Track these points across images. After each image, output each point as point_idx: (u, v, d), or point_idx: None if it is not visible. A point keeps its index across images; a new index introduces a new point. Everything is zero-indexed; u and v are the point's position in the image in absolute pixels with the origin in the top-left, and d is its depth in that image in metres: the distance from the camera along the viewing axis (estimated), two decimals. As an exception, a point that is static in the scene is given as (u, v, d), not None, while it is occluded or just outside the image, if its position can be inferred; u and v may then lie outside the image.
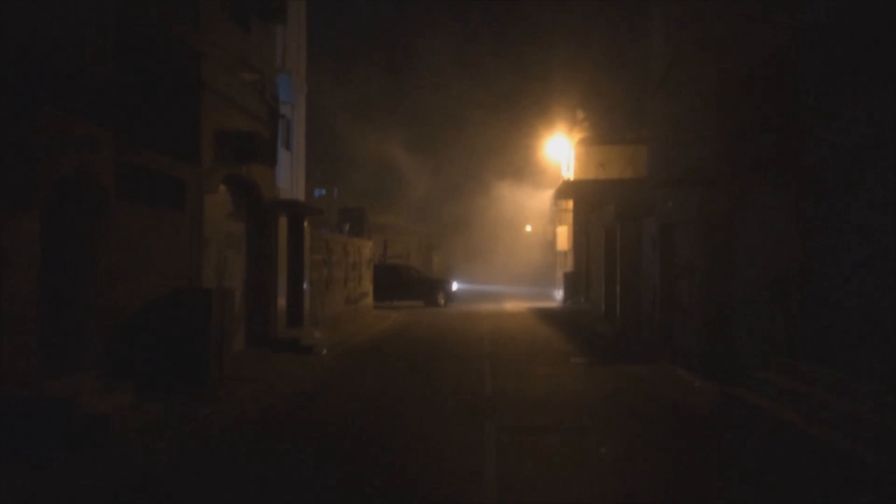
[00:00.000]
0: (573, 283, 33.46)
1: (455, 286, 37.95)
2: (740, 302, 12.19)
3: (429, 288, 33.43)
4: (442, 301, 32.79)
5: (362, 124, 51.31)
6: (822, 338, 9.55)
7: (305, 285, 17.96)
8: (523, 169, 48.54)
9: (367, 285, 27.33)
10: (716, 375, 11.69)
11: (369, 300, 27.63)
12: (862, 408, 7.69)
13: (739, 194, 12.17)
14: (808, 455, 7.55)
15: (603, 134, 33.37)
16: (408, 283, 32.94)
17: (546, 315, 27.61)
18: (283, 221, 16.45)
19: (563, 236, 38.86)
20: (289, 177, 24.86)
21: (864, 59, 8.55)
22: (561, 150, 36.09)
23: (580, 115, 35.39)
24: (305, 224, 17.96)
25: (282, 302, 16.27)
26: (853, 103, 8.82)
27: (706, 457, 7.82)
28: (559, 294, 37.70)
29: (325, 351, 15.76)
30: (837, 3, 8.68)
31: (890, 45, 8.04)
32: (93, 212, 9.00)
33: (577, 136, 34.13)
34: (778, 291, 10.60)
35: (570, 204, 35.01)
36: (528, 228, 56.59)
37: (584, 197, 31.05)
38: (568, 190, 32.54)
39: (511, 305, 34.18)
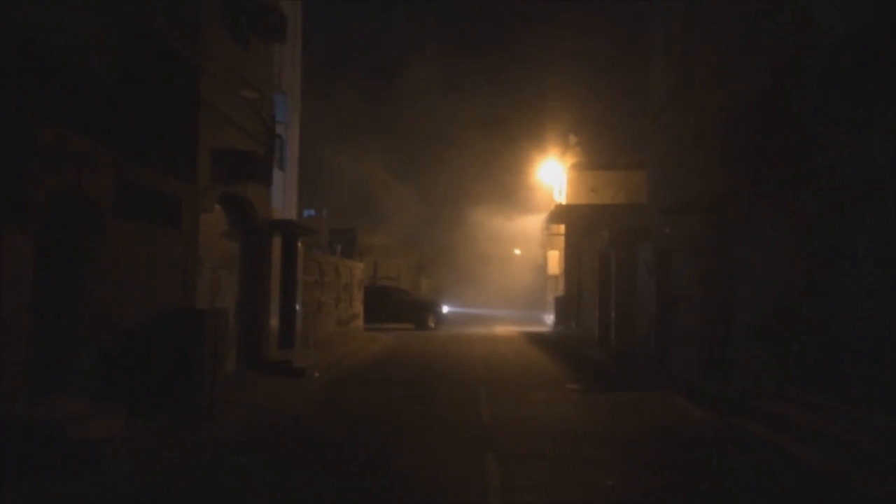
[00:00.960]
0: (564, 307, 33.35)
1: (445, 309, 37.76)
2: (741, 330, 12.06)
3: (419, 310, 33.22)
4: (432, 324, 32.58)
5: (351, 146, 51.41)
6: (828, 368, 9.43)
7: (298, 306, 17.73)
8: (515, 193, 48.69)
9: (358, 307, 27.11)
10: (715, 405, 11.53)
11: (360, 322, 27.40)
12: (871, 440, 7.54)
13: (742, 221, 12.09)
14: (817, 488, 7.39)
15: (595, 159, 33.48)
16: (398, 305, 32.71)
17: (538, 340, 27.42)
18: (276, 242, 16.24)
19: (555, 260, 38.79)
20: (281, 197, 24.67)
21: (874, 85, 8.50)
22: (553, 174, 36.13)
23: (573, 139, 35.53)
24: (299, 245, 17.76)
25: (274, 323, 16.03)
26: (864, 129, 8.77)
27: (715, 490, 7.63)
28: (550, 318, 37.55)
29: (317, 374, 15.50)
30: (846, 30, 8.65)
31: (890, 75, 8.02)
32: (88, 229, 8.79)
33: (570, 160, 34.21)
34: (782, 320, 10.48)
35: (561, 228, 35.00)
36: (517, 252, 56.54)
37: (577, 221, 31.06)
38: (560, 214, 32.53)
39: (502, 329, 33.99)
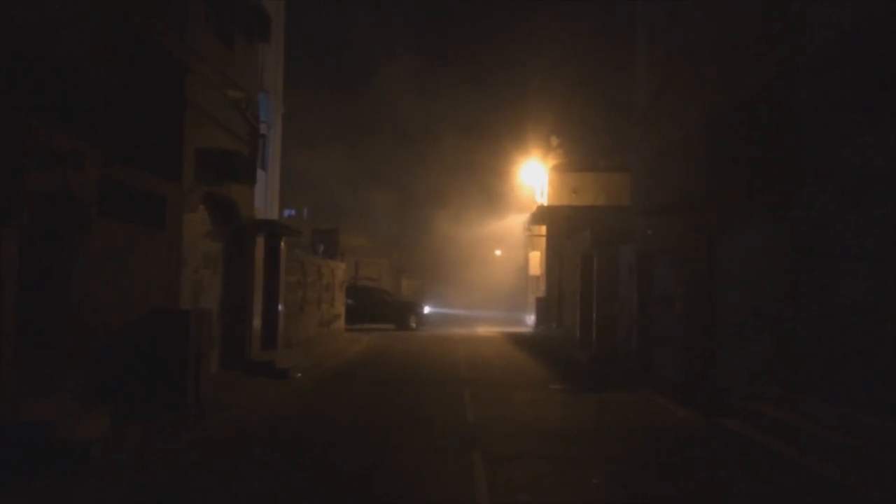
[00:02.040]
0: (545, 308, 33.46)
1: (426, 310, 37.77)
2: (723, 331, 12.20)
3: (400, 311, 33.22)
4: (414, 324, 32.58)
5: (332, 146, 51.32)
6: (811, 368, 9.55)
7: (280, 307, 17.69)
8: (496, 194, 48.78)
9: (340, 307, 27.11)
10: (697, 405, 11.66)
11: (341, 322, 27.40)
12: (858, 440, 7.65)
13: (724, 223, 12.22)
14: (807, 489, 7.50)
15: (577, 161, 33.65)
16: (379, 305, 32.72)
17: (519, 340, 27.51)
18: (259, 242, 16.21)
19: (536, 261, 38.93)
20: (263, 197, 24.61)
21: (862, 87, 8.62)
22: (535, 175, 36.26)
23: (554, 141, 35.69)
24: (282, 245, 17.73)
25: (257, 323, 15.99)
26: (851, 132, 8.88)
27: (699, 489, 7.71)
28: (531, 319, 37.66)
29: (299, 375, 15.50)
30: (835, 34, 8.76)
31: (888, 76, 8.13)
32: (74, 229, 8.73)
33: (552, 162, 34.36)
34: (764, 321, 10.61)
35: (543, 229, 35.13)
36: (498, 253, 56.64)
37: (558, 223, 31.18)
38: (542, 215, 32.65)
39: (483, 330, 34.04)
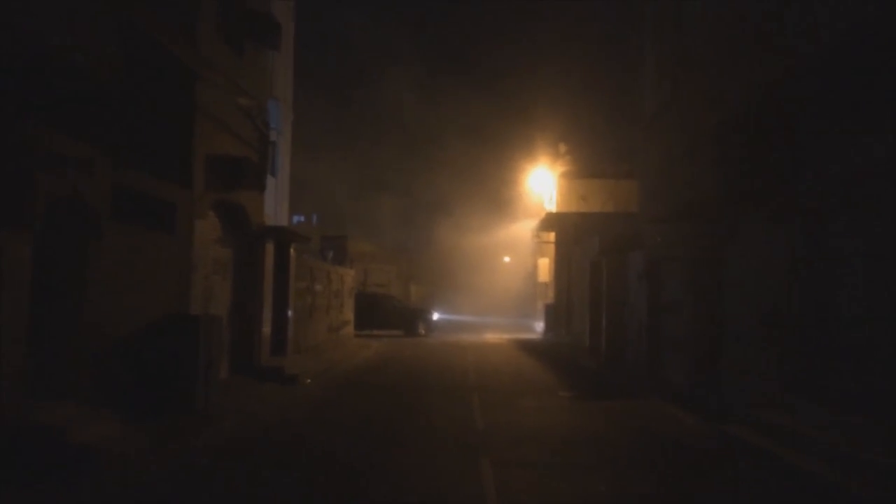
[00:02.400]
0: (554, 314, 33.41)
1: (435, 316, 37.76)
2: (731, 337, 12.17)
3: (409, 317, 33.20)
4: (423, 331, 32.56)
5: (340, 153, 51.50)
6: (819, 374, 9.52)
7: (290, 312, 17.73)
8: (505, 201, 48.79)
9: (349, 313, 27.15)
10: (707, 412, 11.61)
11: (350, 328, 27.44)
12: (865, 448, 7.63)
13: (732, 229, 12.20)
14: (814, 496, 7.47)
15: (585, 167, 33.61)
16: (388, 312, 32.70)
17: (528, 347, 27.47)
18: (269, 248, 16.27)
19: (545, 268, 38.89)
20: (273, 203, 24.73)
21: (864, 92, 8.61)
22: (543, 182, 36.25)
23: (563, 148, 35.64)
24: (291, 251, 17.79)
25: (266, 329, 16.03)
26: (852, 136, 8.88)
27: (707, 497, 7.70)
28: (539, 325, 37.61)
29: (309, 380, 15.51)
30: (834, 40, 8.76)
31: (887, 79, 8.12)
32: (84, 235, 8.79)
33: (560, 169, 34.33)
34: (773, 326, 10.58)
35: (551, 236, 35.10)
36: (507, 259, 56.65)
37: (567, 229, 31.14)
38: (550, 222, 32.63)
39: (492, 336, 34.01)
